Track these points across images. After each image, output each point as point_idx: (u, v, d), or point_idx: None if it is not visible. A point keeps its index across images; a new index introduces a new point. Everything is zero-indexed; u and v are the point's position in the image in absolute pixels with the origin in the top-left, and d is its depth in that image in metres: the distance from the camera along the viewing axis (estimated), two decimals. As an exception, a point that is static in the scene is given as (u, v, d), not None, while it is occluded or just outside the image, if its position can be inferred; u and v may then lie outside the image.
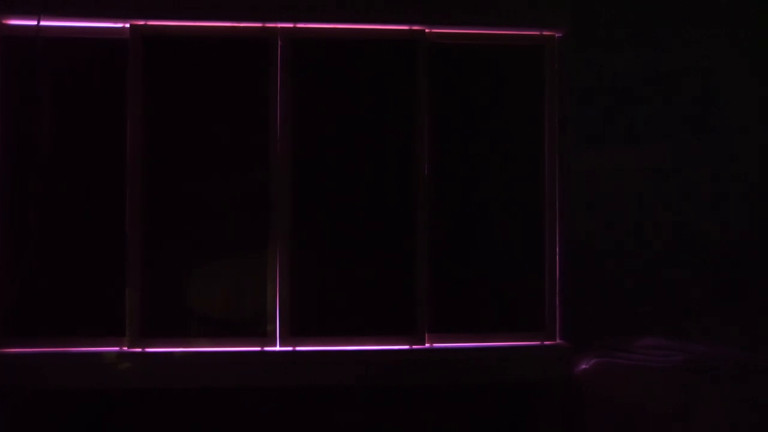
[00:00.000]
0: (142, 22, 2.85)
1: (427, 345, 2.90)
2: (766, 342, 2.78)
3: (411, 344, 2.89)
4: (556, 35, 2.97)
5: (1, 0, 2.77)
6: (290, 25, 2.89)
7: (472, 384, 2.86)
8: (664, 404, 2.51)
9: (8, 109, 2.83)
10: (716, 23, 3.10)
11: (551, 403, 2.88)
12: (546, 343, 2.93)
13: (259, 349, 2.84)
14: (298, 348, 2.85)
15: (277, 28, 2.89)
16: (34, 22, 2.80)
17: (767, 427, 2.33)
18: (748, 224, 3.06)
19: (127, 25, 2.85)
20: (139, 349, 2.81)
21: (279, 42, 2.89)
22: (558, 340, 2.94)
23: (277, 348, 2.85)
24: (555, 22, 2.93)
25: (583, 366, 2.81)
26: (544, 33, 2.97)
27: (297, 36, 2.90)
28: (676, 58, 3.06)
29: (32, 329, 2.80)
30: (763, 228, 3.07)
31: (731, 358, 2.66)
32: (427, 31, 2.94)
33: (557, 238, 2.95)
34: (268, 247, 2.87)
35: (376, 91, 2.94)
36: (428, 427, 2.88)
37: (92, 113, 2.86)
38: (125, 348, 2.81)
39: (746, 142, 3.08)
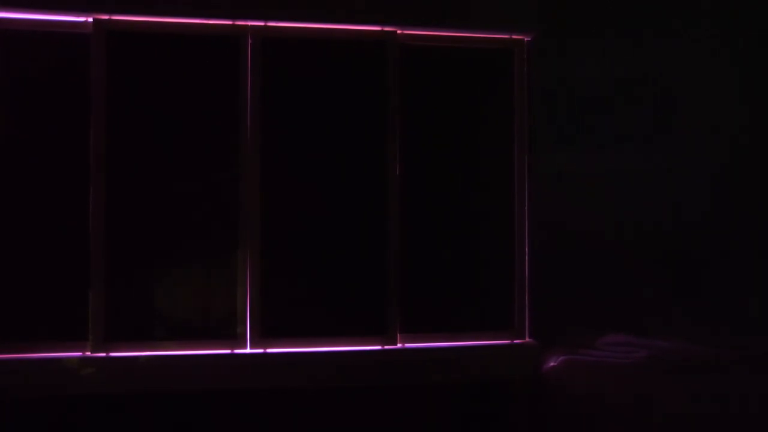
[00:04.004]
0: (106, 17, 2.77)
1: (399, 345, 2.91)
2: (725, 337, 2.90)
3: (383, 345, 2.90)
4: (526, 39, 3.02)
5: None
6: (261, 23, 2.85)
7: (443, 383, 2.88)
8: (627, 399, 2.59)
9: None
10: (677, 30, 3.22)
11: (521, 401, 2.93)
12: (515, 341, 2.98)
13: (229, 351, 2.79)
14: (269, 350, 2.82)
15: (247, 26, 2.84)
16: (-9, 14, 2.69)
17: (728, 421, 2.43)
18: (708, 223, 3.20)
19: (90, 20, 2.76)
20: (103, 354, 2.72)
21: (249, 40, 2.85)
22: (527, 339, 2.99)
23: (248, 350, 2.81)
24: (524, 26, 2.98)
25: (551, 364, 2.87)
26: (514, 37, 3.02)
27: (268, 35, 2.87)
28: (639, 63, 3.17)
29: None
30: (723, 226, 3.21)
31: (692, 353, 2.76)
32: (399, 32, 2.95)
33: (526, 239, 3.00)
34: (238, 247, 2.82)
35: (347, 92, 2.93)
36: (401, 427, 2.89)
37: (53, 110, 2.76)
38: (88, 353, 2.72)
39: (705, 144, 3.22)
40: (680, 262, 3.16)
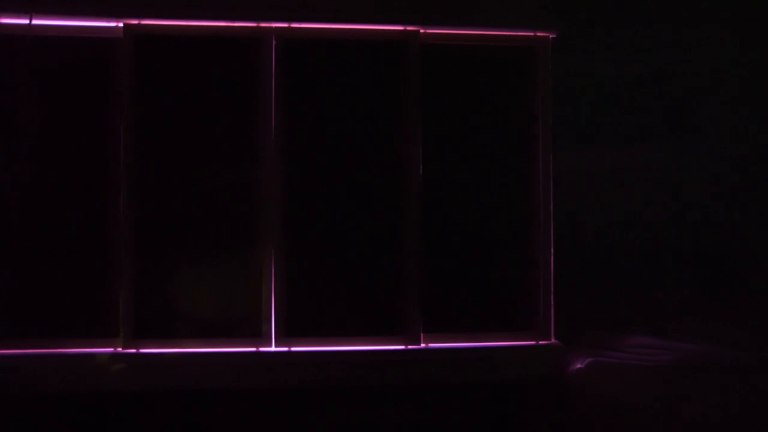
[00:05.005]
0: (135, 21, 2.83)
1: (422, 345, 2.91)
2: (753, 339, 2.82)
3: (406, 344, 2.90)
4: (550, 36, 2.98)
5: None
6: (285, 24, 2.88)
7: (466, 383, 2.87)
8: (655, 402, 2.54)
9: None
10: (699, 28, 3.13)
11: (545, 403, 2.90)
12: (540, 342, 2.95)
13: (254, 349, 2.84)
14: (293, 348, 2.85)
15: (271, 27, 2.88)
16: (26, 21, 2.78)
17: (754, 423, 2.36)
18: (736, 223, 3.10)
19: (120, 25, 2.83)
20: (133, 350, 2.80)
21: (273, 42, 2.88)
22: (552, 340, 2.95)
23: (272, 348, 2.85)
24: (548, 23, 2.94)
25: (577, 366, 2.83)
26: (538, 34, 2.98)
27: (291, 36, 2.90)
28: (663, 59, 3.09)
29: (25, 331, 2.77)
30: (752, 226, 3.11)
31: (719, 356, 2.69)
32: (421, 31, 2.94)
33: (551, 239, 2.96)
34: (263, 247, 2.86)
35: (369, 91, 2.94)
36: (423, 427, 2.89)
37: (84, 113, 2.84)
38: (119, 349, 2.80)
39: (732, 142, 3.12)
40: (706, 263, 3.08)
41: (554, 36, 2.98)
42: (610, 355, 2.81)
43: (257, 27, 2.88)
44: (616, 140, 3.05)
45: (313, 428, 2.87)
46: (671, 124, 3.09)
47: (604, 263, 2.97)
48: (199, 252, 2.86)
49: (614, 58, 3.06)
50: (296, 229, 2.89)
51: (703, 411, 2.43)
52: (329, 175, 2.92)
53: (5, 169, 2.79)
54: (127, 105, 2.82)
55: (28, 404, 2.72)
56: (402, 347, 2.89)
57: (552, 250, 2.96)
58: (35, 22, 2.79)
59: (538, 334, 2.96)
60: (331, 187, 2.92)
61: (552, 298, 2.95)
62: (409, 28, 2.93)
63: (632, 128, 3.06)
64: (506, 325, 2.95)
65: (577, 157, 3.00)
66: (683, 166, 3.09)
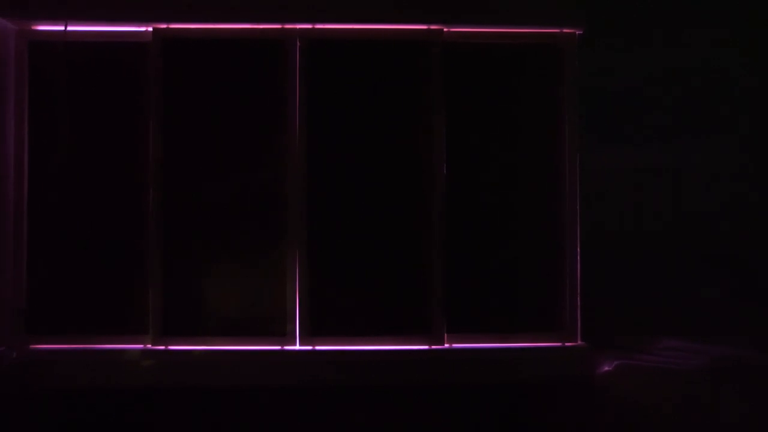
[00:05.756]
0: (164, 26, 2.90)
1: (446, 345, 2.90)
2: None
3: (430, 344, 2.89)
4: (577, 32, 2.93)
5: (29, 6, 2.84)
6: (309, 26, 2.91)
7: (490, 384, 2.84)
8: (684, 406, 2.47)
9: (36, 111, 2.90)
10: (734, 21, 3.02)
11: (571, 405, 2.84)
12: (566, 344, 2.90)
13: (278, 348, 2.87)
14: (317, 347, 2.87)
15: (295, 29, 2.91)
16: (61, 27, 2.88)
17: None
18: (766, 223, 2.99)
19: (150, 29, 2.90)
20: (162, 347, 2.86)
21: (298, 43, 2.91)
22: (578, 342, 2.90)
23: (297, 347, 2.88)
24: (575, 19, 2.90)
25: (605, 368, 2.77)
26: (564, 31, 2.94)
27: (315, 37, 2.92)
28: (691, 56, 2.99)
29: (60, 327, 2.88)
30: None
31: (751, 359, 2.60)
32: (444, 30, 2.93)
33: (577, 239, 2.91)
34: (288, 247, 2.89)
35: (392, 91, 2.94)
36: (446, 427, 2.87)
37: (116, 115, 2.92)
38: (149, 345, 2.87)
39: (762, 140, 3.01)
40: (739, 264, 2.97)
41: (580, 32, 2.93)
42: (639, 357, 2.74)
43: (282, 29, 2.91)
44: (644, 138, 2.96)
45: (335, 427, 2.87)
46: (705, 122, 2.99)
47: (632, 264, 2.89)
48: (225, 251, 2.91)
49: (645, 53, 2.97)
50: (320, 228, 2.91)
51: (734, 415, 2.35)
52: (353, 175, 2.93)
53: (42, 171, 2.89)
54: (156, 106, 2.89)
55: (62, 398, 2.80)
56: (426, 347, 2.88)
57: (578, 250, 2.91)
58: (70, 28, 2.89)
59: (564, 336, 2.91)
60: (356, 187, 2.93)
61: (578, 298, 2.90)
62: (433, 27, 2.92)
63: (661, 126, 2.96)
64: (531, 326, 2.91)
65: (605, 156, 2.93)
66: (714, 165, 2.99)
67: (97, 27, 2.91)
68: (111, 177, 2.91)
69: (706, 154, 2.99)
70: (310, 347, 2.87)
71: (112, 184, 2.91)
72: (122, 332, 2.89)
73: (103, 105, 2.92)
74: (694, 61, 2.99)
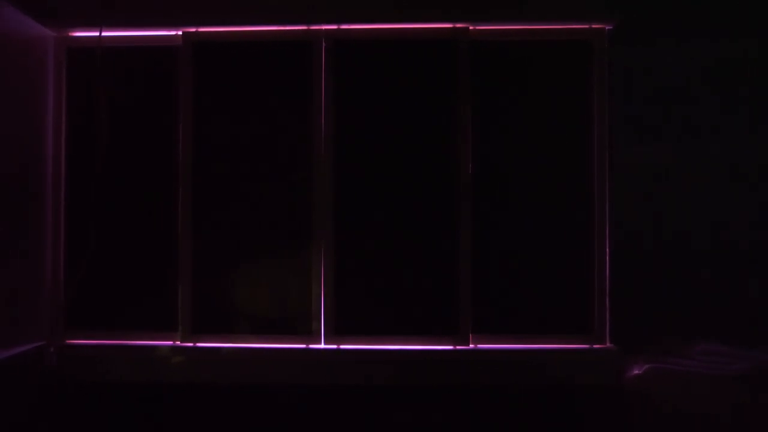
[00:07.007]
0: (193, 29, 2.96)
1: (471, 346, 2.87)
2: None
3: (455, 345, 2.87)
4: (606, 28, 2.87)
5: (67, 14, 2.94)
6: (334, 26, 2.92)
7: (516, 386, 2.80)
8: (720, 413, 2.38)
9: (73, 115, 3.01)
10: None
11: (599, 409, 2.78)
12: (595, 346, 2.83)
13: (304, 346, 2.90)
14: (342, 346, 2.89)
15: (321, 30, 2.93)
16: (96, 33, 2.97)
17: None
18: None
19: (180, 33, 2.97)
20: (191, 344, 2.92)
21: (323, 43, 2.93)
22: (608, 344, 2.83)
23: (322, 346, 2.90)
24: (605, 14, 2.83)
25: (635, 371, 2.70)
26: (594, 26, 2.87)
27: (340, 37, 2.93)
28: (728, 49, 2.86)
29: (95, 323, 2.97)
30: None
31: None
32: (471, 28, 2.90)
33: (606, 238, 2.84)
34: (314, 246, 2.92)
35: (419, 91, 2.93)
36: (471, 428, 2.84)
37: (147, 117, 3.00)
38: (178, 342, 2.93)
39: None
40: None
41: (610, 28, 2.86)
42: (671, 361, 2.65)
43: (307, 30, 2.94)
44: (679, 136, 2.85)
45: (359, 426, 2.88)
46: (742, 119, 2.86)
47: (665, 264, 2.79)
48: (252, 251, 2.95)
49: (678, 49, 2.86)
50: (347, 228, 2.92)
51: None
52: (379, 175, 2.93)
53: (78, 173, 2.99)
54: (185, 108, 2.96)
55: (97, 391, 2.89)
56: (451, 347, 2.86)
57: (608, 250, 2.84)
58: (104, 34, 2.98)
59: (593, 338, 2.84)
60: (382, 187, 2.93)
61: (608, 300, 2.83)
62: (459, 25, 2.90)
63: (694, 123, 2.84)
64: (559, 328, 2.86)
65: (636, 155, 2.83)
66: (753, 164, 2.85)
67: (129, 32, 2.99)
68: (144, 178, 2.99)
69: (746, 152, 2.86)
70: (335, 346, 2.89)
71: (145, 185, 2.98)
72: (154, 329, 2.96)
73: (136, 108, 3.00)
74: (734, 53, 2.85)
